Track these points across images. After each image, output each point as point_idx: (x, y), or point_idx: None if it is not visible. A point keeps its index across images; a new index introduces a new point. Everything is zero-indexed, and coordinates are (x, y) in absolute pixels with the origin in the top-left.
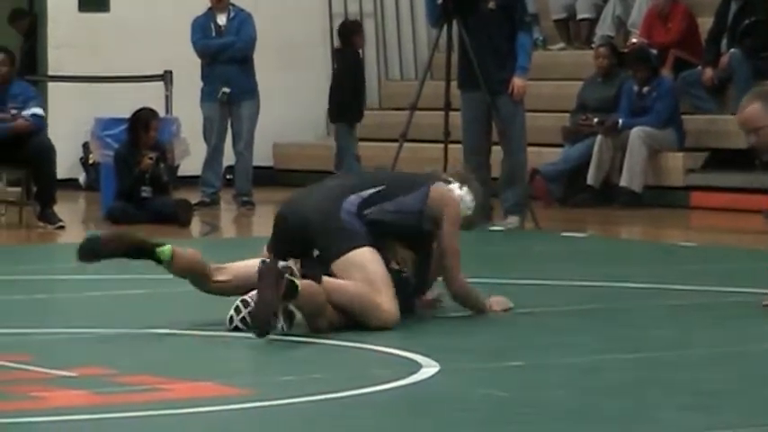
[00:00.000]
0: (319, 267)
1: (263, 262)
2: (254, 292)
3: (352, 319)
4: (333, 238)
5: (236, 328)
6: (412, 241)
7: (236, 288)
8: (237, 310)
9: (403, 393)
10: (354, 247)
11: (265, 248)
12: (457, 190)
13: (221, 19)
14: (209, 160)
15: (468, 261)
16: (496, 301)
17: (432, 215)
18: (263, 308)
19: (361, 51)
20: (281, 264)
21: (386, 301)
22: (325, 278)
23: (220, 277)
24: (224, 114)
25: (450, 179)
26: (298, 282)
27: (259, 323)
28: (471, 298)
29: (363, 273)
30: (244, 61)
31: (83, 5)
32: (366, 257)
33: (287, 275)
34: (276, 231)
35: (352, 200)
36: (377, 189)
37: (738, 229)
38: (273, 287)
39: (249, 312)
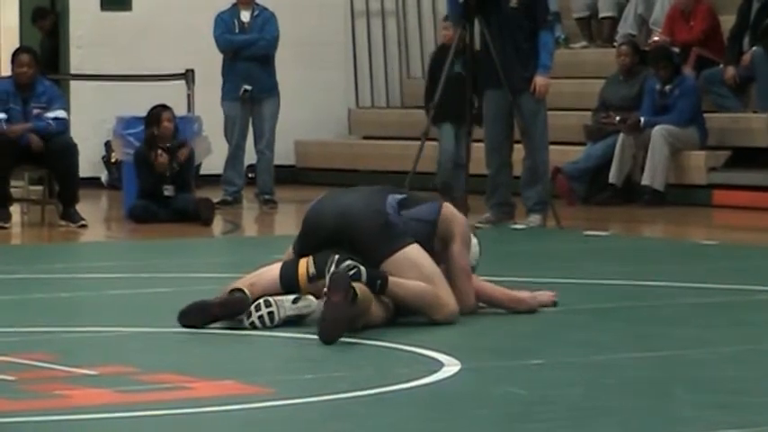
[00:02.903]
0: (376, 267)
1: (335, 269)
2: (284, 297)
3: (391, 319)
4: (381, 236)
5: (253, 325)
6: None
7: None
8: (258, 307)
9: (424, 392)
10: (405, 245)
11: (290, 248)
12: None
13: (245, 16)
14: (230, 159)
15: (489, 260)
16: (541, 295)
17: (442, 233)
18: (334, 315)
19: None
20: (350, 263)
21: (446, 295)
22: (392, 278)
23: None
24: (245, 113)
25: None
26: (357, 288)
27: (330, 330)
28: (499, 302)
29: (420, 270)
30: (265, 59)
31: (105, 4)
32: (418, 254)
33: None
34: (307, 231)
35: (393, 198)
36: (403, 195)
37: (761, 227)
38: (344, 294)
39: (321, 319)
